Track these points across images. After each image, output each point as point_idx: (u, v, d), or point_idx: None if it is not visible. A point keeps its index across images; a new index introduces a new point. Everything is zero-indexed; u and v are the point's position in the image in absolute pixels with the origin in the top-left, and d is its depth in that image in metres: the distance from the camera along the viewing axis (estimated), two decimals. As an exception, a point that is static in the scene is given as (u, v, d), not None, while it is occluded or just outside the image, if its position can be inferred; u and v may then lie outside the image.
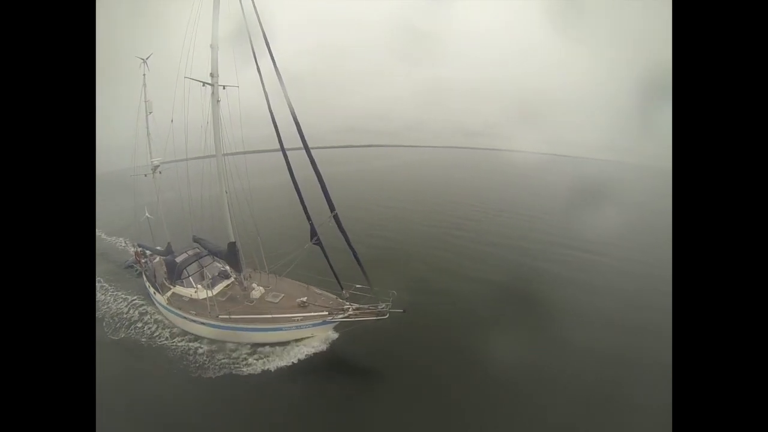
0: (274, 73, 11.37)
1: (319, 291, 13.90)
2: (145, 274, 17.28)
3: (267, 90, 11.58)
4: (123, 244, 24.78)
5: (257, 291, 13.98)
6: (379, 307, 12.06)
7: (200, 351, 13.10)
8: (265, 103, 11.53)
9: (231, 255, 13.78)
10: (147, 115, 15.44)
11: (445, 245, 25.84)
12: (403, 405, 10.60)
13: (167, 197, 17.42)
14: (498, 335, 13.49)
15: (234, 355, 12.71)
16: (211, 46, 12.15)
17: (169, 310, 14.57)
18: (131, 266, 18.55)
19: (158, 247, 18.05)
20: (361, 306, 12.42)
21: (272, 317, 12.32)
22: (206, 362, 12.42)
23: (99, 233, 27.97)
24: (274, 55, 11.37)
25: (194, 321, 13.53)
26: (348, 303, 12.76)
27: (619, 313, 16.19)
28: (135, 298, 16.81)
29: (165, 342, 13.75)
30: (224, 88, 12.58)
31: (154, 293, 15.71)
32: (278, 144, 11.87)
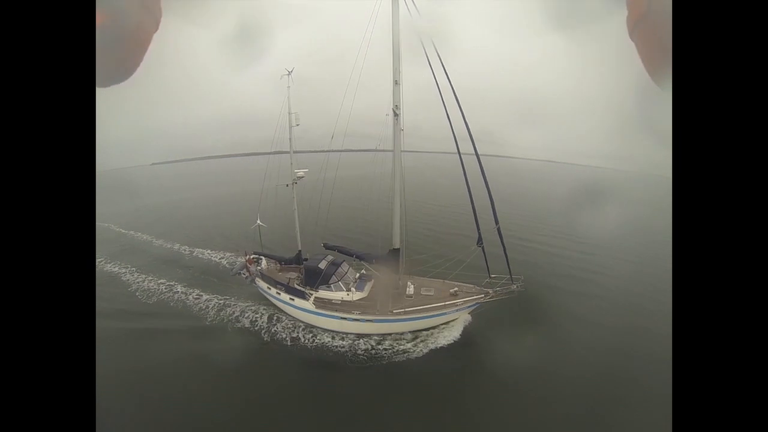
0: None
1: (456, 283, 16.96)
2: (263, 281, 17.82)
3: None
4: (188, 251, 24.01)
5: (410, 288, 16.44)
6: (512, 287, 15.85)
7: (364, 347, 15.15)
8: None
9: (393, 259, 15.93)
10: (291, 128, 16.17)
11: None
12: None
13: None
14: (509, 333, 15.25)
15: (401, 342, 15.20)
16: (396, 82, 14.21)
17: (320, 314, 15.92)
18: (239, 273, 18.59)
19: (273, 254, 18.73)
20: (499, 288, 16.03)
21: (444, 304, 15.15)
22: (391, 353, 14.60)
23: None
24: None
25: (358, 320, 15.37)
26: (485, 288, 16.24)
27: (620, 313, 17.84)
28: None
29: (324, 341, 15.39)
30: (398, 116, 14.68)
31: (291, 299, 16.68)
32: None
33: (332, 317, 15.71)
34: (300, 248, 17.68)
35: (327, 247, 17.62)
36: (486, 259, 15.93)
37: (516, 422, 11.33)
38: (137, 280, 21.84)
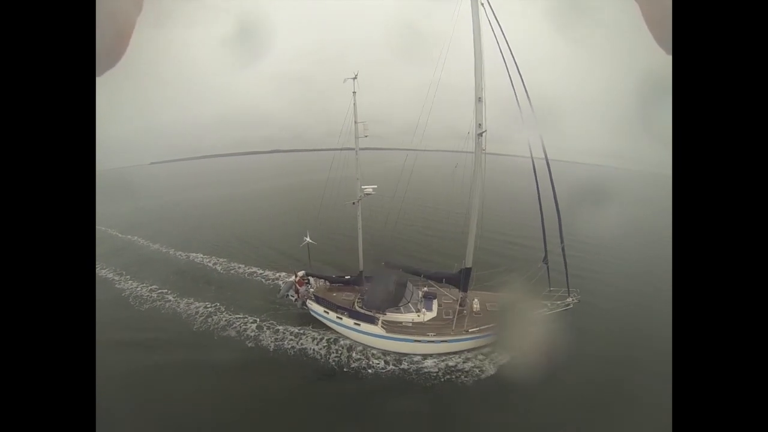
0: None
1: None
2: (319, 304, 16.60)
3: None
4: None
5: (476, 304, 16.38)
6: (568, 300, 16.55)
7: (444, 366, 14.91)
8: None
9: (465, 278, 15.65)
10: (357, 139, 14.86)
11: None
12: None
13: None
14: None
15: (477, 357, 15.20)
16: (479, 99, 13.62)
17: (391, 338, 15.29)
18: (286, 295, 17.04)
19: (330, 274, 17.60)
20: (558, 301, 16.60)
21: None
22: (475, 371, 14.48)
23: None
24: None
25: (432, 341, 15.03)
26: (543, 301, 16.71)
27: (620, 313, 18.09)
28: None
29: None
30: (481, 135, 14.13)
31: (356, 324, 15.77)
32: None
33: (405, 341, 15.21)
34: (361, 268, 16.69)
35: (388, 265, 16.84)
36: (548, 273, 16.35)
37: (516, 425, 11.60)
38: (131, 287, 21.98)
